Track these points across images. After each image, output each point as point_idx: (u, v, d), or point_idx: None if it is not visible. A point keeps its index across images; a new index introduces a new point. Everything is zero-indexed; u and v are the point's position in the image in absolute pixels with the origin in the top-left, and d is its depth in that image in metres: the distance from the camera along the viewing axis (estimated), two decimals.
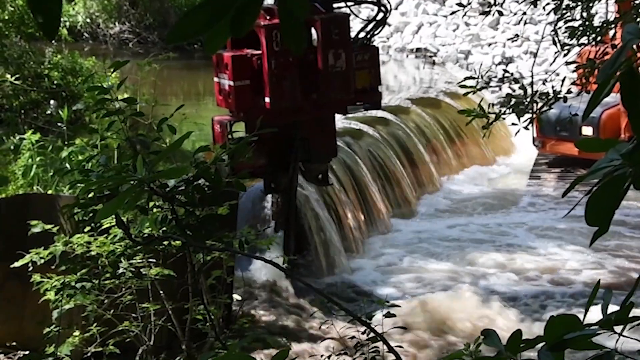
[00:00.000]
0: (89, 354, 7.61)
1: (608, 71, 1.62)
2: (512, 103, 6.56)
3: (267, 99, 9.68)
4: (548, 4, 7.38)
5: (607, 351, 1.64)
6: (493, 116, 6.49)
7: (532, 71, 7.17)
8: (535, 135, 15.44)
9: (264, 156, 9.93)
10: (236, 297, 8.78)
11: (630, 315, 1.69)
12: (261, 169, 9.92)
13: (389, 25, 25.96)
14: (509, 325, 10.04)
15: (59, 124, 11.18)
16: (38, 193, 9.03)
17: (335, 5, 10.23)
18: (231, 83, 9.69)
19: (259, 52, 9.67)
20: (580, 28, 6.83)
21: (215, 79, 9.97)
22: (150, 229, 5.55)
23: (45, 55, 13.93)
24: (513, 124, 6.60)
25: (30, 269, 7.22)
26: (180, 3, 23.97)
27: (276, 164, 10.20)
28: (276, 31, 9.46)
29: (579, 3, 6.96)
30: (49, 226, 7.37)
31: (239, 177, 3.92)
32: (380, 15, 10.29)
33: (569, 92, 6.87)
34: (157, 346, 7.74)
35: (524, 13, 9.85)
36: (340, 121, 14.64)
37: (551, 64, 9.32)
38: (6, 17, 13.31)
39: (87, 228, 6.80)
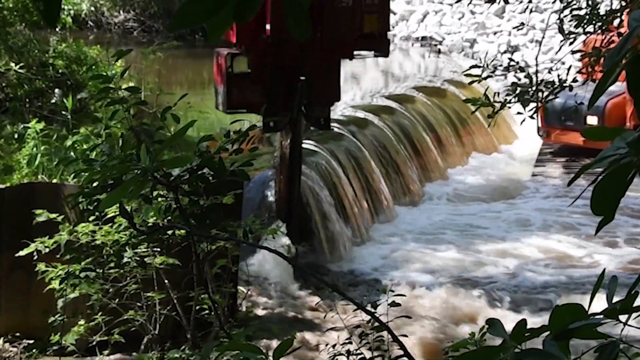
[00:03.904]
0: (94, 343, 7.63)
1: (614, 59, 1.61)
2: (517, 92, 6.54)
3: (267, 26, 9.48)
4: None
5: (612, 340, 1.63)
6: (498, 105, 6.47)
7: (537, 60, 7.14)
8: (540, 124, 15.41)
9: (265, 94, 9.79)
10: (241, 289, 8.79)
11: (636, 304, 1.68)
12: (261, 107, 9.77)
13: (394, 13, 25.91)
14: (514, 314, 10.04)
15: (63, 113, 11.17)
16: (43, 182, 9.03)
17: None
18: None
19: None
20: (586, 16, 6.81)
21: None
22: (154, 218, 5.56)
23: (50, 44, 13.92)
24: (518, 113, 6.57)
25: (35, 258, 7.23)
26: None
27: (277, 103, 10.04)
28: None
29: None
30: (53, 215, 7.38)
31: (242, 166, 3.91)
32: None
33: (574, 80, 6.84)
34: (162, 335, 7.76)
35: (530, 1, 9.81)
36: (345, 110, 14.64)
37: (557, 53, 9.29)
38: (10, 6, 13.29)
39: (92, 217, 6.81)
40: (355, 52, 10.38)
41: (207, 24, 1.44)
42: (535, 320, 8.80)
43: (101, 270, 6.86)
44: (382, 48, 10.39)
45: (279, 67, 9.89)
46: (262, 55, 9.74)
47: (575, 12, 6.89)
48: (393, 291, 6.01)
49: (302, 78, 9.94)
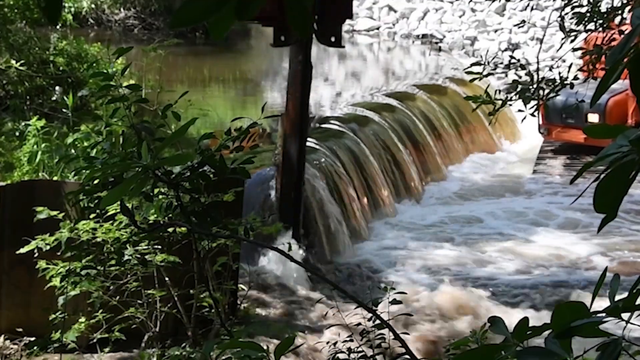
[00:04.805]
0: (94, 340, 7.63)
1: (616, 56, 1.60)
2: (518, 89, 6.53)
3: None
4: None
5: (614, 339, 1.62)
6: (499, 103, 6.46)
7: (538, 57, 7.13)
8: (540, 122, 15.40)
9: (277, 6, 9.64)
10: (242, 286, 8.79)
11: (638, 302, 1.67)
12: (272, 18, 9.53)
13: (395, 11, 25.90)
14: (516, 311, 10.04)
15: (64, 111, 11.17)
16: (43, 179, 9.03)
17: None
18: None
19: None
20: (587, 14, 6.80)
21: None
22: (155, 215, 5.55)
23: (51, 41, 13.91)
24: (519, 110, 6.57)
25: (36, 255, 7.23)
26: None
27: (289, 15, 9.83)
28: None
29: None
30: (54, 212, 7.38)
31: (243, 164, 3.90)
32: None
33: (575, 78, 6.83)
34: (163, 333, 7.75)
35: None
36: (345, 108, 14.64)
37: (557, 50, 9.28)
38: (11, 3, 13.28)
39: (93, 215, 6.81)
40: None
41: (208, 22, 1.44)
42: (538, 318, 8.79)
43: (102, 268, 6.86)
44: None
45: None
46: None
47: (576, 10, 6.88)
48: (394, 289, 6.00)
49: None
